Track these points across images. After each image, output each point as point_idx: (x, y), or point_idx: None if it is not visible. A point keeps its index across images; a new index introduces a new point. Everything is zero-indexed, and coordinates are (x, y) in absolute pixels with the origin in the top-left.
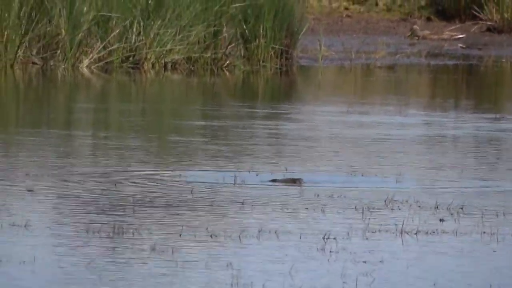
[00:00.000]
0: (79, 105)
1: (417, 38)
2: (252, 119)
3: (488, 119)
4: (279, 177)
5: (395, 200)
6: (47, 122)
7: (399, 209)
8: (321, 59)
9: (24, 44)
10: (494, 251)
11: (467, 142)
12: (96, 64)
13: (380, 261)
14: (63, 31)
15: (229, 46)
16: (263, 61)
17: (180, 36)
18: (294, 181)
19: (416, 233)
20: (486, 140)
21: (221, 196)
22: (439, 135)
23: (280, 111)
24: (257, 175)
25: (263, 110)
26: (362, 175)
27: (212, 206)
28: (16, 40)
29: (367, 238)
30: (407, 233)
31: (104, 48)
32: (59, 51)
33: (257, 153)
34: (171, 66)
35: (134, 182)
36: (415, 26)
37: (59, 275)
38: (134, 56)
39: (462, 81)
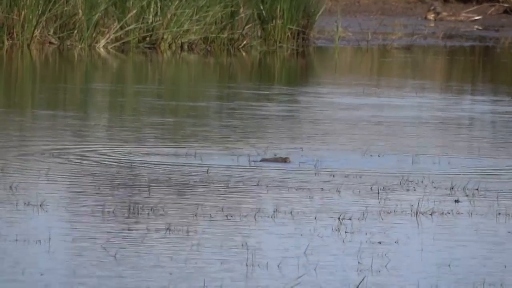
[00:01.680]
0: (96, 85)
1: (435, 15)
2: (268, 100)
3: (504, 101)
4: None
5: (410, 181)
6: (63, 102)
7: (415, 190)
8: (338, 40)
9: (41, 24)
10: (509, 232)
11: (483, 124)
12: (113, 44)
13: (395, 242)
14: (80, 11)
15: (246, 27)
16: (279, 42)
17: (197, 16)
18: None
19: (431, 214)
20: (503, 122)
21: (236, 177)
22: (455, 117)
23: (296, 92)
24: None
25: (279, 91)
26: (378, 156)
27: (227, 186)
28: (33, 20)
29: (382, 219)
30: (422, 214)
31: (121, 28)
32: (76, 31)
33: (273, 134)
34: (188, 46)
35: (150, 162)
36: (434, 3)
37: (74, 255)
38: (151, 36)
39: (479, 62)
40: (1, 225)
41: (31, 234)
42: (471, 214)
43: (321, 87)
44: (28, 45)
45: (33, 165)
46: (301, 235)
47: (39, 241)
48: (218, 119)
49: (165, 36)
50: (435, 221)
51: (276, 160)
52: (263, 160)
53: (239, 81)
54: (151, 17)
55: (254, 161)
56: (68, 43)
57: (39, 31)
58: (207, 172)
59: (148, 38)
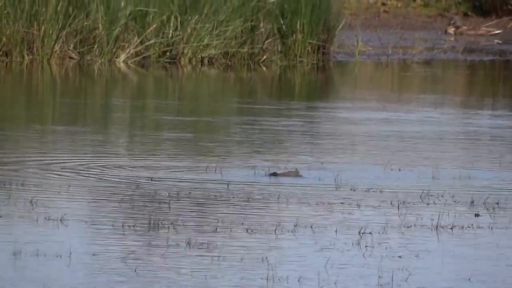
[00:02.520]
0: (116, 100)
1: (455, 29)
2: (288, 115)
3: None
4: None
5: (431, 195)
6: (83, 117)
7: (435, 204)
8: (358, 54)
9: (61, 38)
10: None
11: (504, 138)
12: (133, 59)
13: (416, 256)
14: (100, 25)
15: (266, 41)
16: (300, 56)
17: (217, 31)
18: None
19: (451, 228)
20: None
21: (257, 191)
22: (476, 131)
23: (316, 107)
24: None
25: (299, 106)
26: (399, 170)
27: (247, 200)
28: (53, 35)
29: (402, 233)
30: (443, 228)
31: (141, 43)
32: (96, 46)
33: (292, 149)
34: (208, 61)
35: (170, 177)
36: (455, 17)
37: (95, 269)
38: (171, 51)
39: (499, 77)
40: (21, 240)
41: (51, 249)
42: (492, 228)
43: (341, 102)
44: (48, 60)
45: (53, 180)
46: (321, 249)
47: (60, 256)
48: (238, 134)
49: (185, 51)
50: (455, 235)
51: (287, 174)
52: (273, 174)
53: (259, 96)
54: (171, 31)
55: (267, 175)
56: (88, 58)
57: (59, 46)
58: (227, 186)
59: (168, 53)
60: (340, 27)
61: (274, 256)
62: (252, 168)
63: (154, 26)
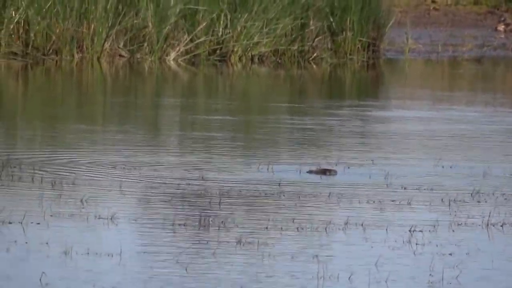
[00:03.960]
0: (167, 99)
1: (505, 26)
2: (338, 114)
3: None
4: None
5: (481, 193)
6: (134, 115)
7: (485, 202)
8: (408, 51)
9: (111, 37)
10: None
11: None
12: (183, 57)
13: (467, 254)
14: (150, 24)
15: (316, 39)
16: (350, 54)
17: (267, 29)
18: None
19: (502, 226)
20: None
21: (307, 189)
22: None
23: (367, 105)
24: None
25: (350, 105)
26: (450, 167)
27: (298, 198)
28: (103, 33)
29: (453, 231)
30: (493, 226)
31: (191, 41)
32: (146, 44)
33: (345, 147)
34: (258, 59)
35: (220, 175)
36: (505, 14)
37: (146, 268)
38: (221, 49)
39: None
40: (72, 238)
41: (102, 247)
42: None
43: (391, 100)
44: (98, 58)
45: (103, 179)
46: (372, 247)
47: (111, 254)
48: (289, 133)
49: (235, 49)
50: (506, 233)
51: (322, 172)
52: (310, 171)
53: (309, 94)
54: (221, 29)
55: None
56: (138, 56)
57: (109, 44)
58: (279, 184)
59: (218, 51)
60: (390, 24)
61: (325, 253)
62: (302, 165)
63: (204, 24)
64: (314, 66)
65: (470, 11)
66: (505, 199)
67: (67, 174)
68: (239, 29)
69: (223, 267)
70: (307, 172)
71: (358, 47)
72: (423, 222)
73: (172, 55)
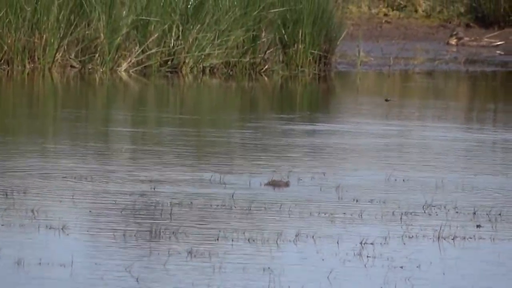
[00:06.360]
0: (118, 111)
1: (457, 40)
2: (290, 126)
3: None
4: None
5: (433, 206)
6: (85, 127)
7: (437, 215)
8: (360, 64)
9: (63, 47)
10: None
11: (507, 148)
12: (135, 68)
13: (417, 267)
14: (102, 34)
15: (268, 51)
16: (301, 66)
17: (219, 40)
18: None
19: (453, 239)
20: None
21: (258, 200)
22: (479, 141)
23: (317, 118)
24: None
25: (301, 117)
26: (403, 180)
27: (249, 210)
28: (54, 43)
29: (404, 244)
30: (445, 239)
31: (143, 52)
32: (97, 55)
33: (295, 160)
34: (209, 70)
35: (172, 186)
36: (457, 28)
37: (97, 278)
38: (172, 60)
39: (501, 88)
40: (23, 248)
41: (54, 257)
42: (493, 239)
43: (342, 113)
44: (50, 69)
45: (54, 189)
46: (323, 259)
47: (63, 264)
48: (241, 145)
49: (186, 60)
50: (457, 246)
51: (277, 183)
52: (266, 183)
53: (260, 106)
54: (172, 41)
55: (261, 184)
56: (90, 67)
57: (60, 54)
58: (232, 196)
59: (169, 62)
60: (341, 37)
61: (276, 266)
62: (253, 177)
63: (156, 35)
64: (266, 78)
65: (422, 24)
66: (457, 212)
67: (18, 184)
68: (190, 40)
69: (174, 278)
70: (263, 185)
71: (310, 60)
72: (374, 235)
73: (124, 66)
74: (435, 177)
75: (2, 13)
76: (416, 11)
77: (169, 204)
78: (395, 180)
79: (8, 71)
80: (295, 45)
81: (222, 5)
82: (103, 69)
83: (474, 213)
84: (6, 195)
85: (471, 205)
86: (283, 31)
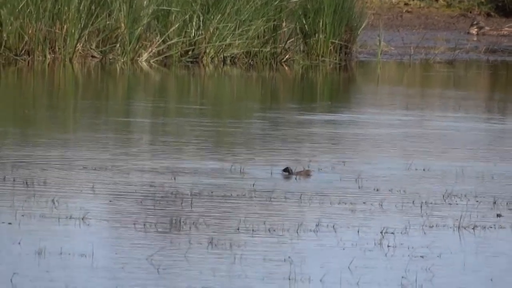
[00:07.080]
0: (138, 102)
1: (478, 29)
2: (310, 116)
3: None
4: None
5: (453, 195)
6: (105, 116)
7: (457, 204)
8: (380, 54)
9: (83, 37)
10: None
11: None
12: (155, 58)
13: (438, 256)
14: (122, 25)
15: (289, 41)
16: (322, 56)
17: (240, 30)
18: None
19: (473, 228)
20: None
21: (278, 190)
22: (499, 130)
23: (338, 108)
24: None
25: (321, 106)
26: (423, 170)
27: (270, 200)
28: (75, 34)
29: (425, 233)
30: (465, 228)
31: (164, 42)
32: (118, 45)
33: (316, 149)
34: (230, 60)
35: (192, 176)
36: (477, 17)
37: (117, 268)
38: (193, 50)
39: None
40: (45, 238)
41: (74, 248)
42: None
43: (363, 103)
44: (70, 59)
45: (74, 179)
46: (344, 249)
47: (84, 254)
48: (262, 135)
49: (207, 50)
50: (477, 235)
51: (298, 173)
52: (286, 171)
53: (281, 96)
54: (193, 31)
55: (281, 173)
56: (110, 57)
57: (81, 45)
58: (253, 185)
59: (190, 52)
60: (362, 27)
61: (297, 255)
62: (274, 167)
63: (177, 25)
64: (286, 68)
65: (443, 14)
66: (477, 201)
67: (39, 174)
68: (211, 30)
69: (194, 268)
70: (282, 170)
71: (331, 49)
72: (394, 224)
73: (144, 56)
74: (455, 167)
75: (23, 3)
76: (437, 0)
77: (190, 194)
78: (416, 169)
79: (29, 62)
80: (316, 35)
81: None
82: (124, 59)
83: (494, 203)
84: (27, 185)
85: (491, 194)
86: (304, 21)
